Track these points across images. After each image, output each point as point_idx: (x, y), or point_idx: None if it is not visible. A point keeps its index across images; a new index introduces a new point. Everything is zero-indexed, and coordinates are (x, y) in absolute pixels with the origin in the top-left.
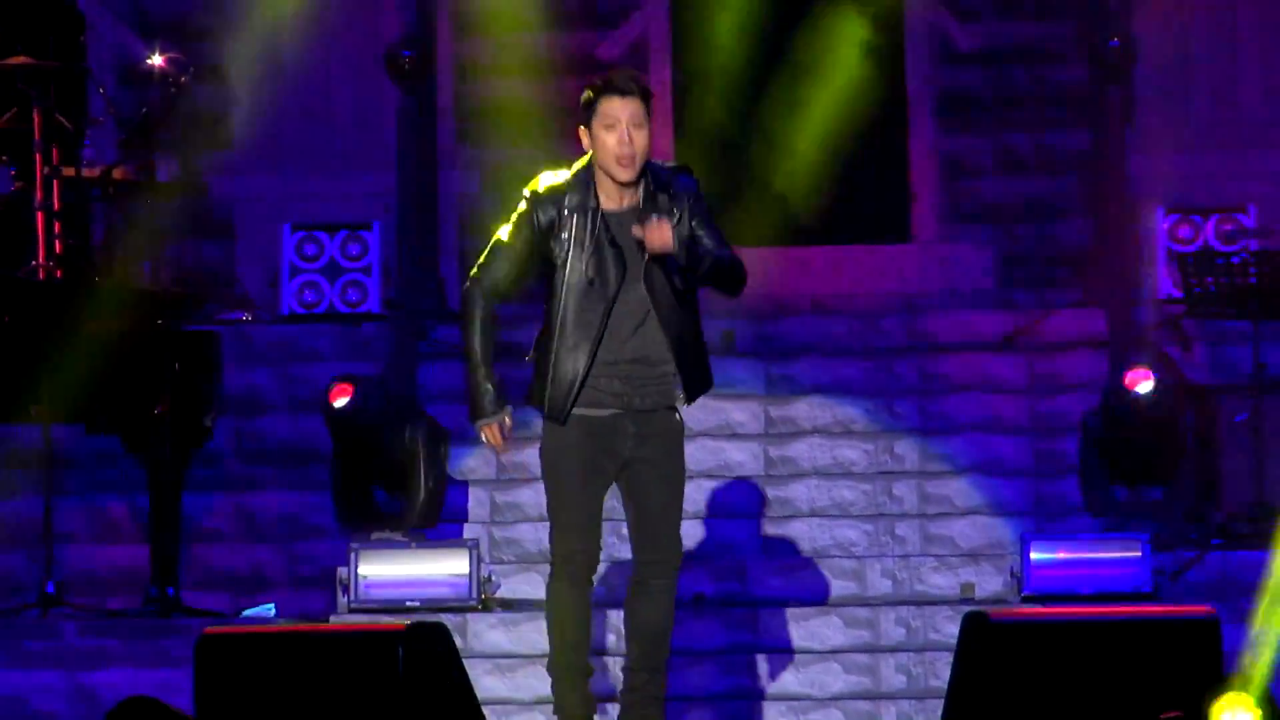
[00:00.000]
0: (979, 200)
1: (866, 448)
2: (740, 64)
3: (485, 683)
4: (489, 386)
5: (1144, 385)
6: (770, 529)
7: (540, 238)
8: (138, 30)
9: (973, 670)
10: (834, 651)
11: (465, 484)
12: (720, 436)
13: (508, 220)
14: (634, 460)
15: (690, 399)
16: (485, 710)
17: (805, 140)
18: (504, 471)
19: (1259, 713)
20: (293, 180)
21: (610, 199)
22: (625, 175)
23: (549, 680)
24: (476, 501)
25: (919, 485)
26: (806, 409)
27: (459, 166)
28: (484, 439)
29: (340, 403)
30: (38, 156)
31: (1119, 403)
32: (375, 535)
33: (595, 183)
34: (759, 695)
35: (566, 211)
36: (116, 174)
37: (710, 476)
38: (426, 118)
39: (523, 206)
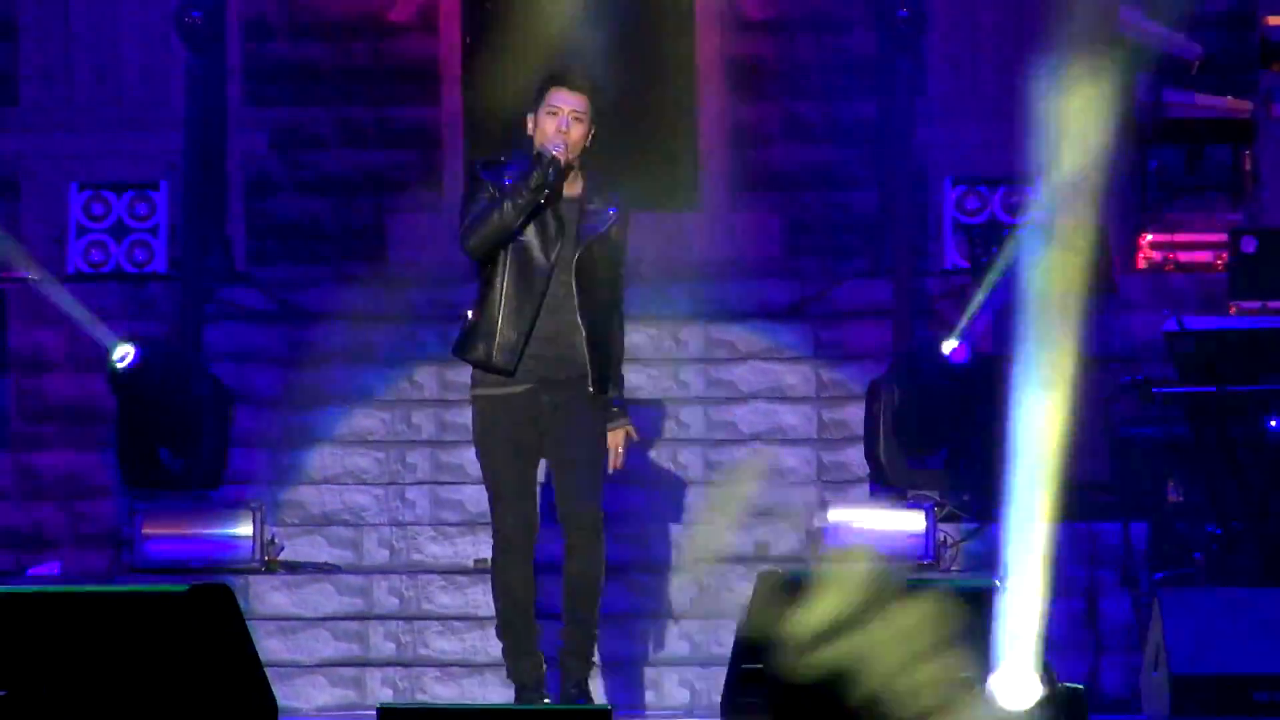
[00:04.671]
0: (767, 169)
1: (651, 415)
2: (532, 28)
3: (268, 645)
4: None
5: (959, 355)
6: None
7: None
8: None
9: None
10: (620, 615)
11: (250, 446)
12: None
13: (469, 199)
14: (552, 425)
15: (597, 389)
16: (268, 672)
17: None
18: (289, 433)
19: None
20: (80, 139)
21: None
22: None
23: (499, 645)
24: (261, 464)
25: (703, 452)
26: None
27: (247, 127)
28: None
29: (125, 360)
30: None
31: (926, 372)
32: (159, 496)
33: None
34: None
35: (509, 180)
36: None
37: None
38: (215, 78)
39: (473, 178)
